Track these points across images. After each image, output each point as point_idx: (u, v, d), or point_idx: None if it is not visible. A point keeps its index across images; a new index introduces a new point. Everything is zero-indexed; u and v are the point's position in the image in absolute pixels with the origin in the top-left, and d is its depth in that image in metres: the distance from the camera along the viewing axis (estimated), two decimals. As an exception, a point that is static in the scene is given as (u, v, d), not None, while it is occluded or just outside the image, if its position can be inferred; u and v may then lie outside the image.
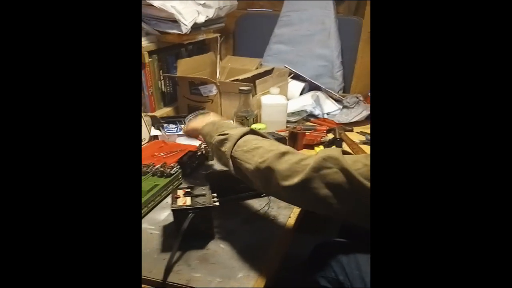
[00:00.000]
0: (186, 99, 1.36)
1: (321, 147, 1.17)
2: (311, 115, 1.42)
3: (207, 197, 0.72)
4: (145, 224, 0.78)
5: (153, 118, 1.24)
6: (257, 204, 0.86)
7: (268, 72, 1.41)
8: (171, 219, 0.80)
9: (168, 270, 0.63)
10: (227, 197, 0.84)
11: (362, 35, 1.52)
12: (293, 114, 1.36)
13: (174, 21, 1.25)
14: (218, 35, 1.54)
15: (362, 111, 1.40)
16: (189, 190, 0.75)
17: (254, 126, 1.18)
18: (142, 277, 0.64)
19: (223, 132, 0.72)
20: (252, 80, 1.26)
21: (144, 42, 1.28)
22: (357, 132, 1.29)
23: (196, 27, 1.31)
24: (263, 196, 0.89)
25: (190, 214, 0.69)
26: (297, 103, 1.40)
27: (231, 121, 0.78)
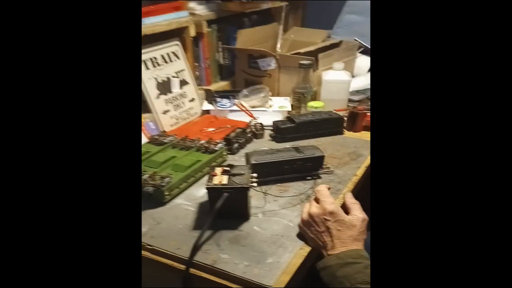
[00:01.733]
0: (244, 73, 1.35)
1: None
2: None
3: (245, 177, 0.72)
4: (182, 200, 0.81)
5: (207, 92, 1.26)
6: (302, 187, 0.84)
7: (334, 45, 1.35)
8: (209, 196, 0.82)
9: (196, 248, 0.65)
10: (268, 178, 0.83)
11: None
12: (357, 92, 1.29)
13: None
14: (284, 3, 1.50)
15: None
16: (227, 168, 0.75)
17: (311, 104, 1.14)
18: (170, 253, 0.66)
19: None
20: (315, 53, 1.21)
21: (203, 10, 1.29)
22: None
23: (261, -7, 1.29)
24: (308, 179, 0.86)
25: (225, 193, 0.69)
26: (364, 81, 1.32)
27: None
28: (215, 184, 0.71)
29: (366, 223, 0.65)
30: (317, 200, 0.68)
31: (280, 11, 1.59)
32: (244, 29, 1.37)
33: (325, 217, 0.64)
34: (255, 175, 0.74)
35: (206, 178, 0.87)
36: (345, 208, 0.67)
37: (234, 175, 0.73)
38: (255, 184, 0.72)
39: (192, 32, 1.24)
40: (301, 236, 0.69)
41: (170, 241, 0.69)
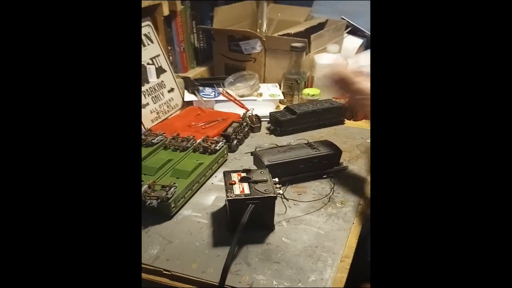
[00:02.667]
0: (224, 57, 1.27)
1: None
2: (369, 77, 1.32)
3: (269, 184, 0.66)
4: (189, 211, 0.74)
5: (186, 80, 1.17)
6: (319, 187, 0.80)
7: (321, 25, 1.30)
8: (219, 204, 0.75)
9: (226, 271, 0.59)
10: (282, 179, 0.78)
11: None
12: (348, 76, 1.27)
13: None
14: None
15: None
16: (245, 174, 0.69)
17: (306, 91, 1.10)
18: (194, 278, 0.60)
19: None
20: (306, 34, 1.16)
21: (175, -14, 1.18)
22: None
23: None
24: (324, 178, 0.83)
25: (251, 205, 0.63)
26: (354, 63, 1.30)
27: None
28: (237, 195, 0.64)
29: None
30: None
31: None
32: (220, 7, 1.28)
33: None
34: (277, 179, 0.69)
35: (210, 182, 0.82)
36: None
37: (256, 182, 0.67)
38: (281, 191, 0.67)
39: (166, 10, 1.13)
40: (338, 242, 0.65)
41: (190, 263, 0.62)
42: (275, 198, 0.65)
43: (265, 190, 0.65)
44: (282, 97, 1.13)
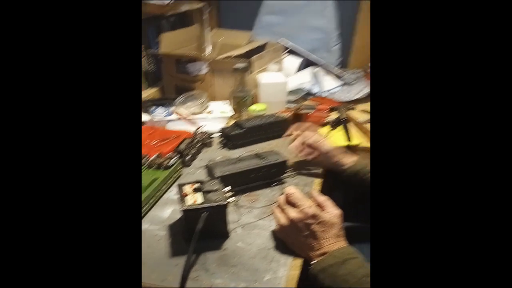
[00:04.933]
0: (173, 78, 1.28)
1: (328, 127, 1.15)
2: (309, 93, 1.39)
3: (220, 193, 0.68)
4: (148, 224, 0.73)
5: (138, 101, 1.16)
6: (270, 194, 0.83)
7: (261, 47, 1.35)
8: (176, 216, 0.76)
9: (184, 277, 0.59)
10: (235, 189, 0.80)
11: (362, 4, 1.47)
12: (290, 92, 1.32)
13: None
14: (204, 4, 1.45)
15: (363, 88, 1.38)
16: (198, 185, 0.70)
17: (253, 107, 1.13)
18: (153, 287, 0.59)
19: None
20: (246, 56, 1.20)
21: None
22: (361, 111, 1.26)
23: (179, -5, 1.23)
24: (275, 185, 0.85)
25: (204, 213, 0.64)
26: (295, 81, 1.35)
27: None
28: (190, 205, 0.65)
29: (342, 218, 0.66)
30: (292, 204, 0.67)
31: (196, 12, 1.54)
32: (166, 33, 1.30)
33: (308, 221, 0.64)
34: (228, 189, 0.70)
35: (166, 196, 0.82)
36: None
37: (208, 192, 0.69)
38: (232, 199, 0.69)
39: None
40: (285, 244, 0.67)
41: (150, 273, 0.62)
42: (226, 205, 0.66)
43: (216, 199, 0.66)
44: (231, 113, 1.16)
